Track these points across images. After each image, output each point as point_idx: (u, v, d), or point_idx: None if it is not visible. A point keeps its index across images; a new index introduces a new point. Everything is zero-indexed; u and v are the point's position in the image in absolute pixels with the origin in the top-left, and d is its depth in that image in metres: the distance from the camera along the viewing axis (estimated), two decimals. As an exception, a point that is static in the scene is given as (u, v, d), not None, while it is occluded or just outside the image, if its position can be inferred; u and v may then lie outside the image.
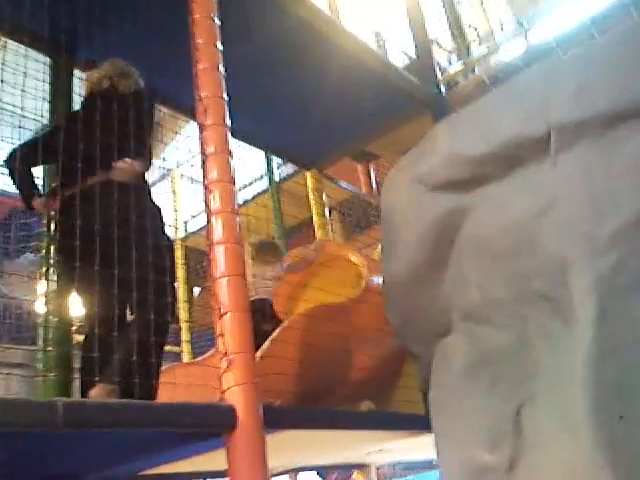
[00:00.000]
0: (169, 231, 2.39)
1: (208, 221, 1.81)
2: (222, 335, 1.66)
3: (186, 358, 5.04)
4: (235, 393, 1.59)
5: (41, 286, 2.34)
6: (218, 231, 1.78)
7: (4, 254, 5.32)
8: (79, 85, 2.63)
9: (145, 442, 1.70)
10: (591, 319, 1.58)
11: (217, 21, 2.07)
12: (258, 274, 2.90)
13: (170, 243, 2.32)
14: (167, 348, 5.99)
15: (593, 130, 1.69)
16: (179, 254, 5.86)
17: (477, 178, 1.95)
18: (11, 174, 2.21)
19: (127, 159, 2.09)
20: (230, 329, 1.66)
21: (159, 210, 2.25)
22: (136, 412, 1.38)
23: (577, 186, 1.70)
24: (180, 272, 5.70)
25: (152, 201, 2.24)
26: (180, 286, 5.65)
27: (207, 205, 1.82)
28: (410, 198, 2.10)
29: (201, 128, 1.91)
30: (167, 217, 6.00)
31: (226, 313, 1.68)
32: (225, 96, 1.96)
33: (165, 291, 2.01)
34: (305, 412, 1.85)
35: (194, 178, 6.21)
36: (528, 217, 1.80)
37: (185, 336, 5.29)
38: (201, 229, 6.06)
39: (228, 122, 1.93)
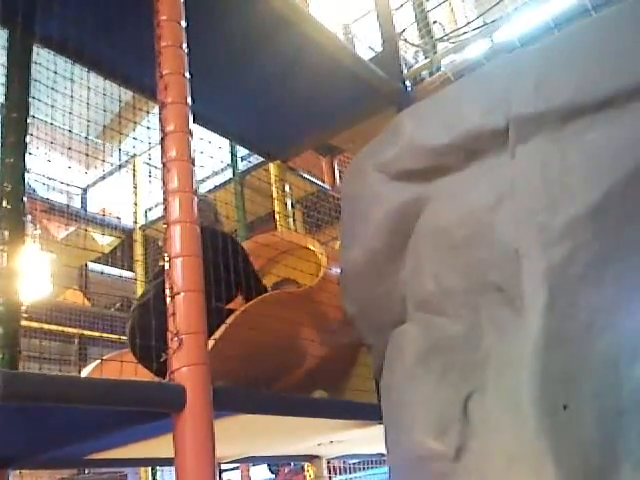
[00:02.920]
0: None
1: (165, 200, 1.78)
2: (174, 315, 1.64)
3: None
4: (185, 373, 1.57)
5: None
6: (175, 210, 1.76)
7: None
8: (36, 58, 2.57)
9: (91, 422, 1.67)
10: (540, 309, 1.61)
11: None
12: None
13: None
14: (123, 339, 5.89)
15: (551, 124, 1.72)
16: (138, 245, 5.74)
17: (437, 168, 1.96)
18: None
19: None
20: (182, 309, 1.65)
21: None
22: (81, 387, 1.36)
23: (533, 178, 1.72)
24: (139, 264, 5.60)
25: None
26: (138, 279, 5.56)
27: (165, 184, 1.80)
28: (370, 187, 2.10)
29: (161, 106, 1.88)
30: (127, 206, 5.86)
31: (179, 293, 1.66)
32: (187, 74, 1.93)
33: None
34: (256, 396, 1.84)
35: (156, 166, 6.13)
36: (485, 208, 1.82)
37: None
38: (161, 218, 5.98)
39: (189, 100, 1.91)
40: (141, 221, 6.00)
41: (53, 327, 4.84)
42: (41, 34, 2.53)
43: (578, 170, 1.65)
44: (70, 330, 5.18)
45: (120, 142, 6.06)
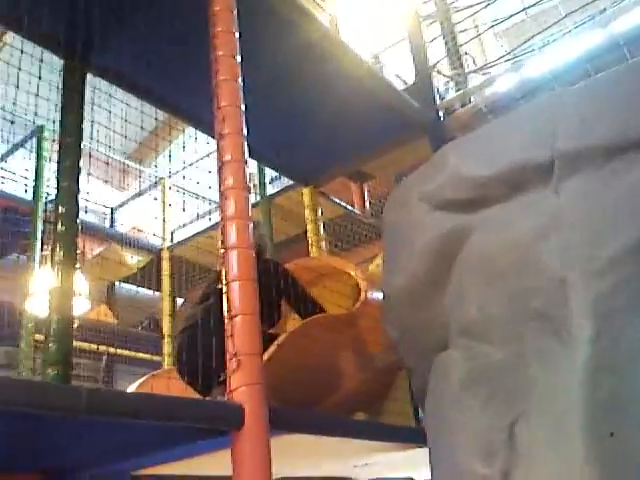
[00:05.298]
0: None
1: (223, 226, 1.87)
2: (232, 336, 1.71)
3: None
4: (243, 393, 1.64)
5: (42, 282, 2.37)
6: (232, 236, 1.84)
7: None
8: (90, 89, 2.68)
9: (147, 437, 1.73)
10: (588, 338, 1.66)
11: (237, 34, 2.15)
12: None
13: None
14: (149, 357, 5.95)
15: (595, 160, 1.79)
16: (166, 265, 5.83)
17: (481, 199, 2.03)
18: None
19: None
20: (240, 331, 1.72)
21: None
22: (153, 403, 1.43)
23: (578, 212, 1.79)
24: (166, 283, 5.69)
25: None
26: (165, 297, 5.65)
27: (222, 211, 1.88)
28: (414, 216, 2.17)
29: (219, 137, 1.97)
30: (155, 227, 5.95)
31: (237, 315, 1.73)
32: (243, 107, 2.03)
33: None
34: (310, 416, 1.90)
35: (185, 189, 6.26)
36: (529, 239, 1.88)
37: (166, 349, 5.25)
38: (187, 239, 6.09)
39: (244, 131, 2.00)
40: (168, 241, 6.11)
41: (84, 345, 4.92)
42: (96, 64, 2.65)
43: (623, 204, 1.71)
44: (99, 348, 5.27)
45: (153, 163, 6.18)
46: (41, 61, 2.53)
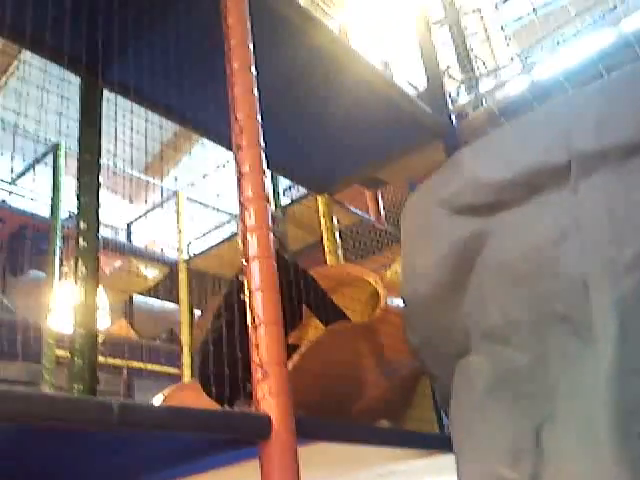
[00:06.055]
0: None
1: (243, 237, 1.88)
2: (257, 346, 1.72)
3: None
4: (269, 403, 1.64)
5: (62, 298, 2.39)
6: (253, 247, 1.85)
7: (10, 271, 5.37)
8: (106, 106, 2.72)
9: (179, 449, 1.74)
10: (612, 339, 1.66)
11: (251, 47, 2.17)
12: None
13: None
14: (169, 371, 5.94)
15: (613, 159, 1.79)
16: (183, 276, 5.86)
17: (499, 203, 2.03)
18: None
19: None
20: (264, 341, 1.72)
21: None
22: (183, 415, 1.44)
23: (597, 212, 1.78)
24: (183, 295, 5.72)
25: None
26: (183, 309, 5.68)
27: (242, 222, 1.90)
28: (432, 221, 2.18)
29: (237, 148, 1.99)
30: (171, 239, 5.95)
31: (260, 325, 1.74)
32: (259, 118, 2.05)
33: None
34: (336, 425, 1.90)
35: (200, 201, 6.30)
36: (549, 241, 1.88)
37: (185, 360, 5.26)
38: (204, 252, 6.12)
39: (262, 143, 2.02)
40: (184, 254, 6.14)
41: (105, 360, 4.94)
42: (112, 80, 2.68)
43: (642, 203, 1.71)
44: (118, 362, 5.30)
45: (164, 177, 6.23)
46: (63, 80, 2.56)
